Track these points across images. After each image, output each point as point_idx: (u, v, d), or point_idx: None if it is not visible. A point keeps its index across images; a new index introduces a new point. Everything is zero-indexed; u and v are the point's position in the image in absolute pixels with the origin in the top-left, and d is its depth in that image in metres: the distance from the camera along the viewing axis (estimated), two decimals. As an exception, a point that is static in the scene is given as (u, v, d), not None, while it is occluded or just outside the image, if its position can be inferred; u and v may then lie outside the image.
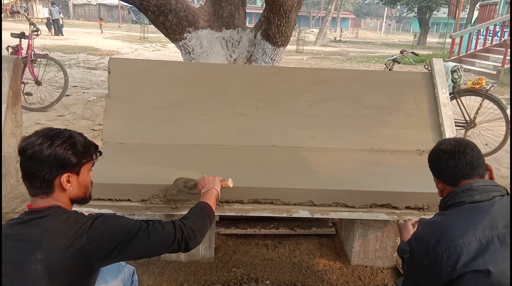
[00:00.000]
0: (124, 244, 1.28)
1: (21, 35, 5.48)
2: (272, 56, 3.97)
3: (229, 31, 4.12)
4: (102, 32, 21.90)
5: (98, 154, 1.41)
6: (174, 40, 3.96)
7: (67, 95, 6.09)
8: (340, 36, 32.12)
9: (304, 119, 2.64)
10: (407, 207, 2.04)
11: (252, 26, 4.18)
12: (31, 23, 5.55)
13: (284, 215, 2.02)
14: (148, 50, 16.36)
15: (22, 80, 5.68)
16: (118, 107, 2.54)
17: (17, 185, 2.59)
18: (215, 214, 2.00)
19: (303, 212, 2.02)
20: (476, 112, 4.59)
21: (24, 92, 5.70)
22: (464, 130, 4.68)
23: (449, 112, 2.64)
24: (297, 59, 15.98)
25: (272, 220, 2.85)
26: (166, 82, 2.64)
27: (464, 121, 4.65)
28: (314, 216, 2.02)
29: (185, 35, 3.87)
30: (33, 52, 5.49)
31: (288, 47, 19.90)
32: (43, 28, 20.95)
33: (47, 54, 5.65)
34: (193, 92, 2.63)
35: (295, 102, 2.68)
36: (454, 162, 1.47)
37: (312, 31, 37.37)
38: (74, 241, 1.21)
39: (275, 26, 3.57)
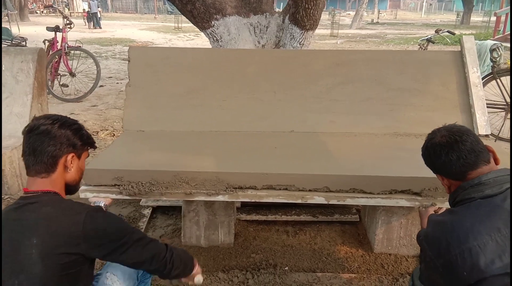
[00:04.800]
0: (121, 245, 1.30)
1: (56, 29, 5.69)
2: (300, 40, 3.89)
3: (257, 16, 4.06)
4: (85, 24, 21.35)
5: (94, 148, 1.50)
6: (202, 28, 3.96)
7: (101, 86, 6.29)
8: (378, 18, 31.02)
9: (323, 103, 2.57)
10: (428, 193, 1.94)
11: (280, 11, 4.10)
12: (64, 17, 5.73)
13: (299, 201, 1.98)
14: (182, 40, 16.56)
15: (58, 72, 5.93)
16: (137, 95, 2.58)
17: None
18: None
19: (318, 198, 1.97)
20: (518, 93, 4.30)
21: (61, 83, 5.95)
22: (504, 112, 4.41)
23: (480, 92, 2.48)
24: (331, 43, 15.63)
25: (293, 206, 2.82)
26: (184, 69, 2.65)
27: (505, 103, 4.37)
28: (330, 202, 1.97)
29: (212, 22, 3.86)
30: (66, 45, 5.68)
31: (323, 31, 19.58)
32: (81, 21, 21.73)
33: (80, 46, 5.83)
34: (210, 79, 2.62)
35: (314, 86, 2.61)
36: (455, 154, 1.33)
37: (349, 14, 36.33)
38: (70, 229, 1.24)
39: (302, 9, 3.48)
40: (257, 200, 2.00)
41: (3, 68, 2.43)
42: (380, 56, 2.70)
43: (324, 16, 29.80)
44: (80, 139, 1.38)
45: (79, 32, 17.43)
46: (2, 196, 2.76)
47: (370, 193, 1.97)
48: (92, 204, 1.93)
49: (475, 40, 4.72)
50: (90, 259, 1.32)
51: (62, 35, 5.68)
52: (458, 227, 1.24)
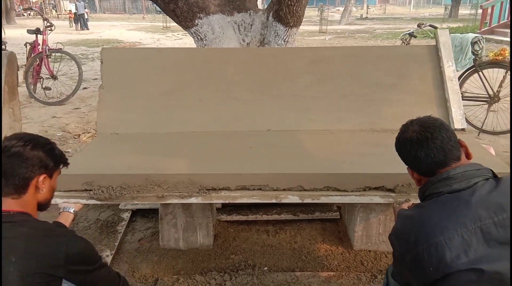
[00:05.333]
0: (92, 270, 1.34)
1: (37, 31, 5.61)
2: (284, 37, 3.86)
3: (240, 14, 4.03)
4: (71, 26, 21.03)
5: (66, 165, 1.50)
6: (186, 27, 3.91)
7: (85, 88, 6.22)
8: (367, 13, 31.04)
9: (300, 101, 2.55)
10: (402, 189, 1.93)
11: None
12: (45, 19, 5.65)
13: (273, 201, 1.96)
14: (170, 40, 16.45)
15: (40, 75, 5.84)
16: (111, 97, 2.54)
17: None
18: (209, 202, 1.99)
19: (292, 198, 1.95)
20: (500, 85, 4.31)
21: (43, 86, 5.87)
22: (487, 105, 4.42)
23: (455, 86, 2.47)
24: (320, 39, 15.62)
25: (275, 205, 2.80)
26: (159, 69, 2.61)
27: (487, 96, 4.38)
28: (304, 201, 1.95)
29: (196, 21, 3.82)
30: (47, 47, 5.60)
31: (312, 27, 19.58)
32: (65, 23, 21.49)
33: (61, 49, 5.76)
34: (187, 79, 2.59)
35: (291, 83, 2.58)
36: (424, 152, 1.31)
37: (338, 10, 36.35)
38: (50, 250, 1.23)
39: (285, 6, 3.46)
40: (231, 201, 1.98)
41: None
42: (356, 52, 2.68)
43: (313, 13, 29.80)
44: (53, 160, 1.38)
45: (66, 34, 17.27)
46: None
47: (344, 190, 1.96)
48: (62, 210, 1.90)
49: (458, 33, 4.73)
50: (61, 280, 1.30)
51: (43, 37, 5.60)
52: (425, 221, 1.23)
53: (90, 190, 1.95)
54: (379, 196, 1.96)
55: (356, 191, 1.96)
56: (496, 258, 1.12)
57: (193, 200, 1.96)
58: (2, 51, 2.35)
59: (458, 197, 1.22)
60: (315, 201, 1.96)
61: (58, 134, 4.55)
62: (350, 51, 2.68)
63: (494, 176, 1.28)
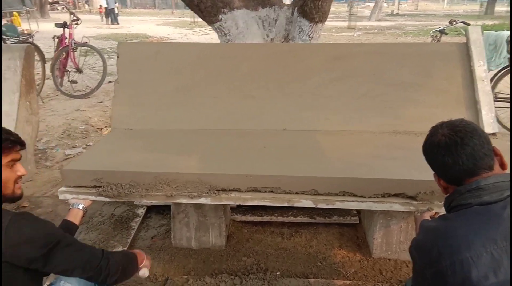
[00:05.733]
0: (47, 251, 1.21)
1: (64, 25, 5.69)
2: (309, 33, 3.77)
3: (265, 9, 3.95)
4: (102, 20, 21.06)
5: (18, 147, 1.35)
6: (210, 22, 3.88)
7: (110, 82, 6.27)
8: (398, 9, 30.25)
9: (318, 99, 2.44)
10: (424, 197, 1.80)
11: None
12: (71, 13, 5.73)
13: (285, 204, 1.87)
14: (197, 35, 16.52)
15: (67, 68, 5.94)
16: (126, 93, 2.51)
17: (36, 171, 2.68)
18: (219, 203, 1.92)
19: (305, 202, 1.86)
20: (537, 87, 4.04)
21: (70, 79, 5.97)
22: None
23: (487, 87, 2.30)
24: (348, 35, 15.31)
25: (290, 207, 2.71)
26: (174, 65, 2.56)
27: (523, 97, 4.12)
28: (318, 206, 1.85)
29: (220, 16, 3.78)
30: (73, 41, 5.68)
31: (340, 23, 19.19)
32: (97, 18, 21.93)
33: (86, 42, 5.83)
34: (202, 75, 2.52)
35: (309, 81, 2.48)
36: (451, 158, 1.20)
37: (368, 5, 35.57)
38: None
39: (310, 1, 3.37)
40: (241, 203, 1.91)
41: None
42: (380, 49, 2.55)
43: (343, 8, 29.26)
44: None
45: (96, 28, 17.64)
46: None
47: (361, 196, 1.85)
48: (71, 206, 1.88)
49: (493, 31, 4.47)
50: (23, 269, 1.22)
51: (69, 31, 5.68)
52: (451, 235, 1.12)
53: (99, 186, 1.92)
54: (399, 203, 1.84)
55: (375, 197, 1.85)
56: None
57: (202, 200, 1.90)
58: (20, 44, 2.34)
59: (488, 210, 1.12)
60: (330, 206, 1.86)
61: (81, 127, 4.60)
62: (373, 48, 2.55)
63: None
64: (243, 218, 2.67)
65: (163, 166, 1.92)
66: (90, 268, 1.31)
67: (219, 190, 1.89)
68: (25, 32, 11.50)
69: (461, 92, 2.36)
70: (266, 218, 2.66)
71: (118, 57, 2.58)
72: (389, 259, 2.33)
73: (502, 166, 1.23)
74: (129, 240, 2.51)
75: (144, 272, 1.64)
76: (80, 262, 1.29)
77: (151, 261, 1.71)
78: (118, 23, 21.11)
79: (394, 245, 2.30)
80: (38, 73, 5.86)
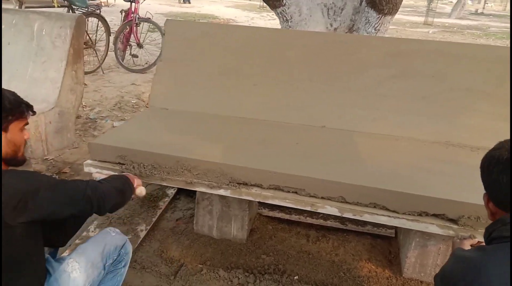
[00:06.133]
0: (31, 196, 1.17)
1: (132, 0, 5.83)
2: (376, 25, 3.52)
3: None
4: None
5: (31, 113, 1.35)
6: (273, 6, 3.77)
7: (169, 59, 6.36)
8: (483, 8, 27.89)
9: (367, 98, 2.23)
10: (468, 222, 1.57)
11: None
12: (139, -12, 5.85)
13: (308, 208, 1.73)
14: (264, 19, 16.39)
15: (130, 42, 6.11)
16: (167, 71, 2.47)
17: (75, 139, 2.74)
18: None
19: (330, 209, 1.70)
20: None
21: (131, 54, 6.13)
22: None
23: None
24: (422, 32, 14.37)
25: (322, 209, 2.55)
26: (219, 47, 2.46)
27: None
28: (343, 215, 1.69)
29: (284, 1, 3.65)
30: (137, 16, 5.80)
31: (417, 18, 18.05)
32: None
33: (149, 18, 5.92)
34: (244, 60, 2.41)
35: (359, 77, 2.27)
36: (507, 178, 1.01)
37: (451, 1, 33.19)
38: None
39: None
40: (261, 200, 1.79)
41: (43, 32, 2.45)
42: (446, 48, 2.26)
43: (422, 2, 27.51)
44: None
45: (169, 6, 18.13)
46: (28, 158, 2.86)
47: (394, 211, 1.65)
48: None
49: None
50: (19, 223, 1.18)
51: (135, 6, 5.80)
52: (483, 270, 0.96)
53: (123, 164, 1.90)
54: (437, 225, 1.62)
55: (409, 214, 1.64)
56: None
57: (221, 192, 1.81)
58: (73, 14, 2.36)
59: None
60: (357, 217, 1.68)
61: (132, 101, 4.71)
62: (438, 47, 2.26)
63: None
64: (270, 213, 2.55)
65: (187, 151, 1.85)
66: (77, 201, 1.30)
67: (240, 184, 1.79)
68: (102, 4, 12.04)
69: (536, 106, 2.04)
70: (294, 217, 2.51)
71: (163, 34, 2.53)
72: (421, 282, 2.11)
73: None
74: (154, 220, 2.50)
75: (141, 190, 1.68)
76: (64, 198, 1.27)
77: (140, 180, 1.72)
78: (190, 3, 21.55)
79: (429, 267, 2.08)
80: (102, 45, 6.11)
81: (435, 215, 1.63)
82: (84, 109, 4.27)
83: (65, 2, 5.33)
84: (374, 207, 1.67)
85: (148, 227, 2.43)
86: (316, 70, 2.32)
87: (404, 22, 17.03)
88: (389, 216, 1.65)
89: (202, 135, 2.05)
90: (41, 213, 1.22)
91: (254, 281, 2.04)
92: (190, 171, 1.82)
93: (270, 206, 2.59)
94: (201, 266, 2.15)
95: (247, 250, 2.29)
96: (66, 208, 1.27)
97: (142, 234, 2.36)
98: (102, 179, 1.49)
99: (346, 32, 3.74)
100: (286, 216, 2.53)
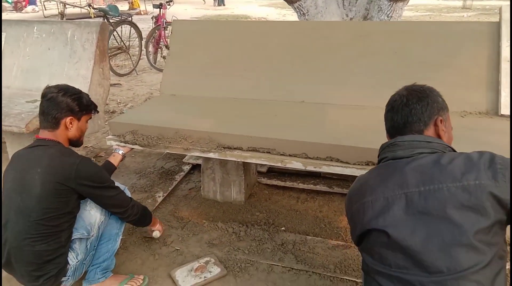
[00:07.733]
0: (100, 188, 1.76)
1: (160, 6, 6.43)
2: (388, 12, 3.70)
3: None
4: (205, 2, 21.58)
5: (96, 112, 1.96)
6: (290, 2, 4.02)
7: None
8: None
9: (338, 75, 2.58)
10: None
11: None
12: (166, -6, 6.43)
13: (279, 164, 2.12)
14: (294, 16, 16.65)
15: (160, 45, 6.72)
16: (174, 64, 2.95)
17: (104, 125, 3.30)
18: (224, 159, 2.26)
19: (296, 163, 2.08)
20: None
21: (162, 55, 6.74)
22: None
23: (510, 69, 2.21)
24: (457, 16, 14.04)
25: (313, 176, 2.93)
26: (215, 41, 2.91)
27: None
28: (307, 168, 2.07)
29: None
30: (164, 20, 6.39)
31: (457, 2, 17.33)
32: (210, 0, 23.29)
33: (175, 22, 6.49)
34: (235, 50, 2.84)
35: (331, 57, 2.63)
36: (391, 115, 1.38)
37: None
38: (65, 166, 1.68)
39: None
40: (242, 160, 2.21)
41: (75, 38, 3.02)
42: (406, 28, 2.57)
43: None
44: (78, 106, 1.82)
45: (203, 10, 18.87)
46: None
47: (345, 162, 2.01)
48: (114, 151, 2.38)
49: None
50: (78, 194, 1.74)
51: (162, 11, 6.40)
52: (364, 184, 1.33)
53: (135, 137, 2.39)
54: (380, 172, 1.96)
55: (358, 164, 2.00)
56: (408, 226, 1.15)
57: (211, 155, 2.24)
58: (97, 20, 2.90)
59: (395, 163, 1.27)
60: (317, 169, 2.06)
61: (161, 97, 5.28)
62: (398, 27, 2.58)
63: (448, 151, 1.26)
64: (268, 181, 2.97)
65: (183, 124, 2.30)
66: (121, 208, 1.88)
67: (225, 148, 2.22)
68: (142, 12, 12.80)
69: (485, 73, 2.30)
70: (288, 184, 2.92)
71: (171, 33, 3.02)
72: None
73: (440, 137, 1.34)
74: (170, 189, 2.99)
75: (156, 233, 2.25)
76: (117, 202, 1.86)
77: (163, 228, 2.31)
78: (224, 5, 22.23)
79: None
80: (135, 50, 6.75)
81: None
82: (119, 105, 4.90)
83: (100, 12, 6.03)
84: (331, 160, 2.03)
85: (165, 194, 2.93)
86: (295, 54, 2.71)
87: (441, 8, 16.65)
88: (342, 167, 2.01)
89: (198, 112, 2.50)
90: (99, 201, 1.83)
91: (245, 230, 2.47)
92: (186, 139, 2.27)
93: (269, 176, 3.01)
94: (204, 221, 2.61)
95: (244, 209, 2.72)
96: (113, 208, 1.88)
97: (160, 200, 2.85)
98: (137, 202, 2.02)
99: (361, 21, 3.94)
100: (282, 183, 2.94)
